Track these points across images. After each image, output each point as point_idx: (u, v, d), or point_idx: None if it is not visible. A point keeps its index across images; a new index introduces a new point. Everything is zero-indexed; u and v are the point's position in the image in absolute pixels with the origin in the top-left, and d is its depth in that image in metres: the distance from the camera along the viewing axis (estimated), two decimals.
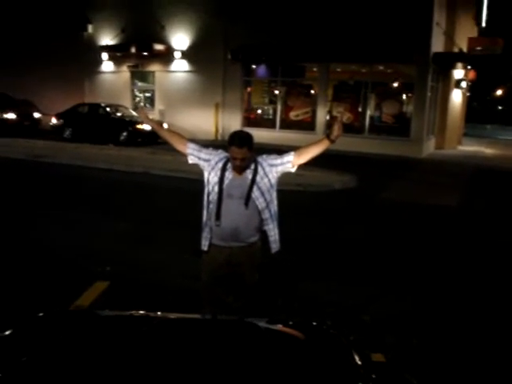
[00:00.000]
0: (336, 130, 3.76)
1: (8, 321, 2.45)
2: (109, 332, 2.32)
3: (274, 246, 4.07)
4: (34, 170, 13.39)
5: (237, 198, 3.80)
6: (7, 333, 2.26)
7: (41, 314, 2.51)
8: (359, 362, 2.32)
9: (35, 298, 5.19)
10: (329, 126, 19.65)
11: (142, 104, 23.63)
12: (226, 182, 3.81)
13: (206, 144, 4.59)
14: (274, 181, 3.91)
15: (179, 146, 4.06)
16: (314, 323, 2.77)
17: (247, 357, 2.14)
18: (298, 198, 10.44)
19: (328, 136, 3.82)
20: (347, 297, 5.62)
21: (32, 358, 2.03)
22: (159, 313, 2.67)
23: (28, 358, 2.03)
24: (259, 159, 3.90)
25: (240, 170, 3.79)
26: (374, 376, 2.23)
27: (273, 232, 4.02)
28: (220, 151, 3.98)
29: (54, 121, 20.82)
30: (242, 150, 3.68)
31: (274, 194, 3.98)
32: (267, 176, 3.86)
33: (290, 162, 3.89)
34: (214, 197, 3.85)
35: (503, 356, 4.47)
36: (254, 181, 3.80)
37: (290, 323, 2.70)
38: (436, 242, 8.04)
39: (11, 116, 21.69)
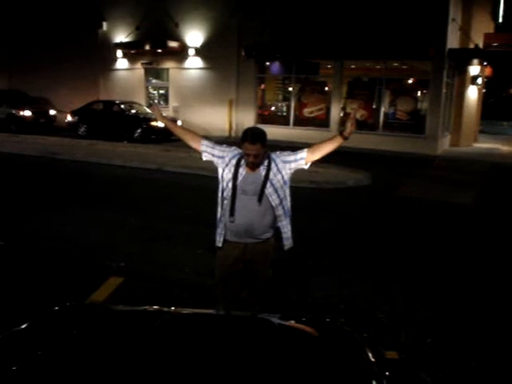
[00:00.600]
0: (349, 126, 3.76)
1: (25, 314, 2.49)
2: (123, 326, 2.34)
3: (287, 242, 4.07)
4: (49, 167, 13.52)
5: (251, 195, 3.81)
6: (24, 326, 2.29)
7: (56, 308, 2.54)
8: (372, 360, 2.32)
9: (51, 292, 5.25)
10: (343, 122, 19.57)
11: (156, 101, 23.71)
12: (240, 178, 3.82)
13: (219, 141, 4.60)
14: (287, 177, 3.92)
15: (193, 143, 4.08)
16: (328, 320, 2.77)
17: (260, 352, 2.14)
18: (312, 195, 10.42)
19: (341, 133, 3.81)
20: (361, 293, 5.60)
21: (48, 351, 2.06)
22: (173, 308, 2.69)
23: (44, 351, 2.05)
24: (273, 156, 3.90)
25: (253, 166, 3.80)
26: (387, 373, 2.22)
27: (286, 229, 4.03)
28: (234, 148, 3.99)
29: (69, 118, 20.99)
30: (255, 147, 3.68)
31: (288, 191, 3.98)
32: (280, 172, 3.86)
33: (304, 159, 3.89)
34: (228, 193, 3.87)
35: None
36: (267, 177, 3.81)
37: (304, 319, 2.70)
38: (452, 239, 7.97)
39: (27, 113, 21.91)
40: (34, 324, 2.36)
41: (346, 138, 3.81)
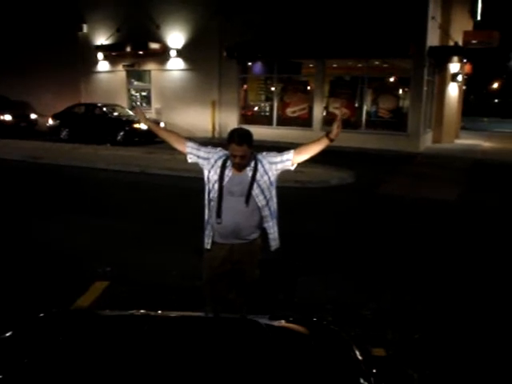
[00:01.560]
0: (335, 129, 3.77)
1: (9, 322, 2.46)
2: (109, 332, 2.32)
3: (274, 243, 4.08)
4: (31, 172, 13.38)
5: (237, 196, 3.81)
6: (8, 334, 2.27)
7: (41, 315, 2.51)
8: (360, 357, 2.33)
9: (36, 298, 5.20)
10: (326, 122, 19.66)
11: (138, 103, 23.58)
12: (226, 179, 3.82)
13: (203, 142, 4.59)
14: (273, 178, 3.92)
15: (178, 145, 4.07)
16: (315, 319, 2.78)
17: (249, 354, 2.14)
18: (296, 195, 10.45)
19: (327, 135, 3.82)
20: (348, 292, 5.63)
21: (33, 359, 2.04)
22: (160, 312, 2.67)
23: (29, 358, 2.03)
24: (259, 156, 3.90)
25: (240, 167, 3.79)
26: (374, 370, 2.24)
27: (272, 229, 4.03)
28: (219, 149, 3.98)
29: (50, 121, 20.79)
30: (241, 148, 3.68)
31: (274, 192, 3.98)
32: (267, 173, 3.86)
33: (290, 161, 3.90)
34: (214, 195, 3.86)
35: (504, 351, 4.49)
36: (254, 178, 3.81)
37: (291, 319, 2.71)
38: (435, 236, 8.05)
39: (8, 117, 21.68)
40: (19, 331, 2.33)
41: (332, 140, 3.82)
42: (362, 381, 2.13)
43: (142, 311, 2.62)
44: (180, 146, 4.05)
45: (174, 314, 2.66)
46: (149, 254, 6.79)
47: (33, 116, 23.05)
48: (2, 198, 10.16)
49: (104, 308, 3.14)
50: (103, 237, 7.53)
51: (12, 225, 8.12)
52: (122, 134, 19.05)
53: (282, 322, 2.64)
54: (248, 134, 3.80)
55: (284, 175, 4.14)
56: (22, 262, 6.38)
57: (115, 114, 20.29)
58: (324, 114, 20.37)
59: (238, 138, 3.71)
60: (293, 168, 4.00)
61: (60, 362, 2.02)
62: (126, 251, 6.90)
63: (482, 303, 5.45)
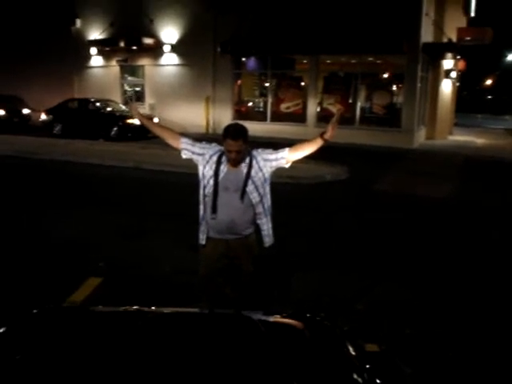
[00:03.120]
0: (330, 130, 3.75)
1: (2, 318, 2.45)
2: (103, 328, 2.32)
3: (267, 239, 4.08)
4: (24, 167, 13.31)
5: (232, 191, 3.81)
6: (1, 330, 2.26)
7: (35, 311, 2.50)
8: (353, 353, 2.34)
9: (29, 294, 5.18)
10: (320, 118, 19.68)
11: (131, 99, 23.48)
12: (221, 175, 3.81)
13: (197, 137, 4.58)
14: (267, 175, 3.92)
15: (172, 141, 4.05)
16: (308, 315, 2.79)
17: (243, 349, 2.14)
18: (290, 191, 10.45)
19: (322, 135, 3.81)
20: (341, 287, 5.64)
21: (26, 355, 2.03)
22: (154, 308, 2.67)
23: (22, 355, 2.02)
24: (254, 153, 3.90)
25: (235, 162, 3.79)
26: (368, 366, 2.25)
27: (266, 226, 4.03)
28: (214, 144, 3.98)
29: (43, 117, 20.67)
30: (236, 143, 3.67)
31: (268, 188, 3.98)
32: (261, 170, 3.86)
33: (285, 159, 3.90)
34: (209, 190, 3.85)
35: (496, 344, 4.52)
36: (248, 174, 3.81)
37: (285, 315, 2.71)
38: (428, 232, 8.08)
39: (0, 112, 21.51)
40: (12, 327, 2.33)
41: (326, 141, 3.81)
42: (355, 376, 2.14)
43: (135, 307, 2.62)
44: (174, 141, 4.03)
45: (167, 309, 2.66)
46: (142, 248, 6.78)
47: (25, 111, 22.90)
48: None
49: (97, 304, 3.14)
50: (97, 232, 7.51)
51: (5, 220, 8.07)
52: (115, 129, 18.98)
53: (275, 318, 2.65)
54: (243, 129, 3.79)
55: (277, 171, 4.14)
56: (16, 257, 6.36)
57: (109, 109, 20.21)
58: (318, 109, 20.38)
59: (234, 133, 3.70)
60: (287, 166, 4.01)
61: (53, 358, 2.01)
62: (120, 246, 6.88)
63: (475, 298, 5.48)
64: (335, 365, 2.20)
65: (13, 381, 1.85)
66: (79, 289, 5.37)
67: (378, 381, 2.17)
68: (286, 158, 3.90)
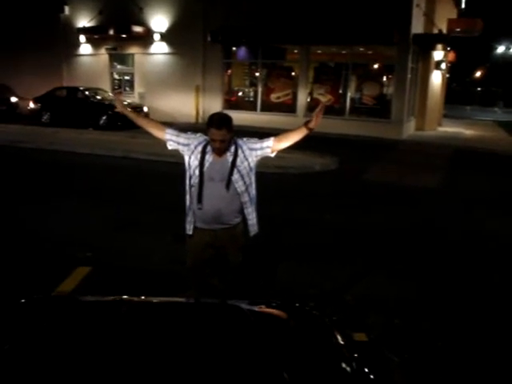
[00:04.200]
0: (315, 119, 3.75)
1: None
2: (91, 317, 2.31)
3: (252, 229, 4.09)
4: (11, 156, 13.17)
5: (218, 181, 3.81)
6: None
7: (23, 301, 2.49)
8: (342, 342, 2.36)
9: (17, 284, 5.15)
10: (310, 108, 19.66)
11: (118, 88, 23.26)
12: (207, 165, 3.81)
13: (186, 127, 4.56)
14: (253, 164, 3.92)
15: (157, 132, 4.05)
16: (297, 304, 2.80)
17: (231, 339, 2.15)
18: (278, 181, 10.47)
19: (306, 124, 3.81)
20: (329, 278, 5.67)
21: (15, 345, 2.02)
22: (142, 297, 2.67)
23: (11, 345, 2.02)
24: (239, 142, 3.89)
25: (220, 152, 3.78)
26: (356, 355, 2.26)
27: (251, 216, 4.04)
28: (199, 135, 3.97)
29: (31, 105, 20.46)
30: (220, 132, 3.67)
31: (253, 178, 3.99)
32: (247, 159, 3.86)
33: (270, 148, 3.90)
34: (195, 180, 3.85)
35: (485, 334, 4.58)
36: (234, 164, 3.81)
37: (273, 305, 2.72)
38: (418, 223, 8.13)
39: None
40: (0, 317, 2.31)
41: (310, 130, 3.82)
42: (343, 365, 2.16)
43: (124, 297, 2.61)
44: (159, 133, 4.03)
45: (156, 299, 2.66)
46: (131, 238, 6.77)
47: (13, 99, 22.63)
48: None
49: (86, 294, 3.13)
50: (86, 222, 7.48)
51: None
52: (104, 118, 18.84)
53: (263, 307, 2.65)
54: (227, 118, 3.79)
55: (266, 160, 4.14)
56: (3, 247, 6.31)
57: (98, 97, 20.02)
58: (308, 100, 20.36)
59: (218, 122, 3.70)
60: (273, 155, 4.00)
61: (42, 348, 2.01)
62: (108, 236, 6.86)
63: (465, 289, 5.54)
64: (324, 354, 2.21)
65: (1, 371, 1.85)
66: (68, 278, 5.35)
67: (366, 370, 2.19)
68: (272, 147, 3.90)
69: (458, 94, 45.85)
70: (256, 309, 2.57)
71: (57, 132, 17.13)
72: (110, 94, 20.54)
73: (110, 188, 9.80)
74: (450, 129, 23.53)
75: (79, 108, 19.45)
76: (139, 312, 2.38)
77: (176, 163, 4.04)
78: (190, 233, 4.02)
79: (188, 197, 3.99)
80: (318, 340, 2.34)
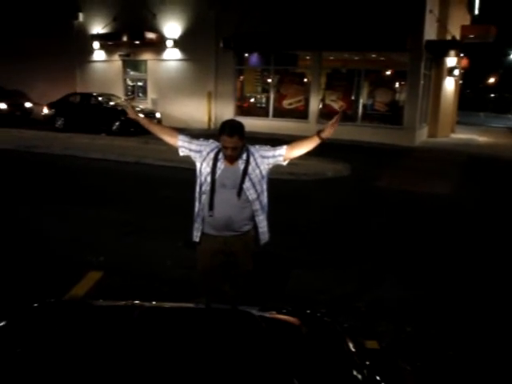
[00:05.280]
0: (329, 129, 3.74)
1: (2, 312, 2.45)
2: (103, 322, 2.32)
3: (263, 237, 4.07)
4: (26, 161, 13.31)
5: (229, 188, 3.80)
6: (2, 324, 2.26)
7: (35, 305, 2.51)
8: (353, 349, 2.34)
9: (30, 288, 5.19)
10: (322, 114, 19.65)
11: (130, 94, 23.41)
12: (219, 172, 3.80)
13: (199, 133, 4.58)
14: (264, 172, 3.90)
15: (169, 139, 4.05)
16: (308, 311, 2.79)
17: (243, 346, 2.14)
18: (291, 187, 10.46)
19: (318, 133, 3.80)
20: (341, 284, 5.64)
21: (27, 348, 2.03)
22: (154, 302, 2.67)
23: (23, 348, 2.03)
24: (252, 149, 3.88)
25: (232, 159, 3.78)
26: (367, 363, 2.25)
27: (262, 224, 4.02)
28: (211, 141, 3.97)
29: (45, 110, 20.68)
30: (232, 139, 3.66)
31: (265, 186, 3.97)
32: (259, 167, 3.85)
33: (282, 156, 3.89)
34: (206, 187, 3.85)
35: (497, 342, 4.52)
36: (245, 171, 3.80)
37: (284, 311, 2.71)
38: (430, 230, 8.07)
39: (2, 106, 21.52)
40: (13, 321, 2.33)
41: (323, 140, 3.81)
42: (355, 373, 2.14)
43: (135, 302, 2.62)
44: (172, 139, 4.04)
45: (167, 304, 2.67)
46: (143, 243, 6.79)
47: (28, 105, 22.88)
48: None
49: (98, 298, 3.14)
50: (98, 226, 7.52)
51: (5, 214, 8.08)
52: (117, 123, 18.97)
53: (274, 314, 2.64)
54: (239, 125, 3.78)
55: (278, 167, 4.13)
56: (16, 251, 6.37)
57: (111, 103, 20.19)
58: (320, 106, 20.35)
59: (230, 129, 3.70)
60: (285, 163, 3.98)
61: (54, 352, 2.02)
62: (120, 241, 6.89)
63: (477, 296, 5.48)
64: (335, 361, 2.20)
65: (13, 374, 1.86)
66: (80, 283, 5.38)
67: (377, 378, 2.17)
68: (284, 155, 3.88)
69: (471, 101, 45.55)
70: (267, 315, 2.56)
71: (70, 137, 17.27)
72: (123, 100, 20.70)
73: (121, 193, 9.85)
74: (463, 135, 23.37)
75: (92, 114, 19.62)
76: (151, 317, 2.38)
77: (188, 169, 4.05)
78: (197, 240, 4.02)
79: (197, 204, 3.99)
80: (330, 347, 2.33)
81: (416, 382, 2.80)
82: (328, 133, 3.75)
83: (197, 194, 3.97)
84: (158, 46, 22.27)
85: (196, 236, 4.02)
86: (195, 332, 2.25)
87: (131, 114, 4.38)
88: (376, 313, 4.95)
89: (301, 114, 20.71)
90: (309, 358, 2.14)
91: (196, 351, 2.05)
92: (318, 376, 2.02)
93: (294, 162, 4.06)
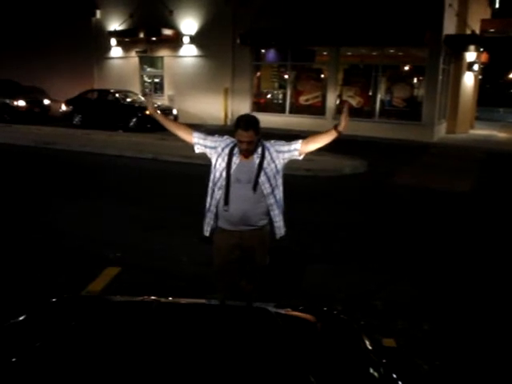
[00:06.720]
0: (343, 121, 3.74)
1: (22, 306, 2.48)
2: (120, 317, 2.34)
3: (279, 231, 4.07)
4: (44, 157, 13.46)
5: (245, 183, 3.81)
6: (21, 318, 2.29)
7: (53, 300, 2.53)
8: (370, 347, 2.32)
9: (48, 283, 5.25)
10: (339, 110, 19.53)
11: (147, 90, 23.53)
12: (234, 166, 3.82)
13: (215, 129, 4.58)
14: (280, 167, 3.91)
15: (185, 136, 4.08)
16: (325, 308, 2.78)
17: (258, 342, 2.14)
18: (308, 183, 10.42)
19: (335, 127, 3.79)
20: (358, 282, 5.62)
21: (46, 342, 2.05)
22: (170, 298, 2.68)
23: (42, 342, 2.05)
24: (267, 144, 3.89)
25: (247, 153, 3.79)
26: (384, 361, 2.23)
27: (278, 218, 4.01)
28: (226, 137, 3.98)
29: (63, 107, 20.88)
30: (248, 133, 3.67)
31: (280, 180, 3.97)
32: (274, 162, 3.85)
33: (298, 151, 3.88)
34: (222, 182, 3.85)
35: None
36: (261, 166, 3.80)
37: (301, 308, 2.70)
38: (448, 228, 7.99)
39: (21, 103, 21.76)
40: (32, 315, 2.35)
41: (340, 133, 3.79)
42: (371, 370, 2.13)
43: (152, 297, 2.63)
44: (187, 136, 4.06)
45: (184, 300, 2.67)
46: (159, 240, 6.82)
47: (46, 102, 23.11)
48: (14, 183, 10.24)
49: (115, 294, 3.16)
50: (115, 223, 7.58)
51: (24, 210, 8.18)
52: (134, 120, 19.08)
53: (291, 311, 2.64)
54: (254, 119, 3.79)
55: (295, 163, 4.12)
56: (35, 247, 6.44)
57: (128, 100, 20.30)
58: (337, 102, 20.22)
59: (245, 123, 3.71)
60: (300, 158, 3.97)
61: (71, 346, 2.03)
62: (137, 237, 6.93)
63: (494, 295, 5.41)
64: (351, 358, 2.19)
65: (32, 368, 1.88)
66: (97, 279, 5.42)
67: (394, 376, 2.15)
68: (299, 149, 3.88)
69: (490, 96, 44.93)
70: (283, 312, 2.56)
71: (87, 134, 17.41)
72: (141, 97, 20.80)
73: (138, 189, 9.91)
74: (482, 131, 23.07)
75: (110, 110, 19.75)
76: (167, 313, 2.39)
77: (205, 165, 4.05)
78: (208, 234, 4.04)
79: (208, 199, 4.00)
80: (346, 344, 2.32)
81: (434, 382, 2.78)
82: (344, 125, 3.75)
83: (209, 190, 3.99)
84: (175, 42, 22.33)
85: (206, 230, 4.04)
86: (211, 328, 2.25)
87: (151, 109, 4.39)
88: (393, 311, 4.91)
89: (318, 110, 20.62)
90: (325, 355, 2.13)
91: (212, 347, 2.05)
92: (334, 373, 2.01)
93: (310, 159, 4.05)
